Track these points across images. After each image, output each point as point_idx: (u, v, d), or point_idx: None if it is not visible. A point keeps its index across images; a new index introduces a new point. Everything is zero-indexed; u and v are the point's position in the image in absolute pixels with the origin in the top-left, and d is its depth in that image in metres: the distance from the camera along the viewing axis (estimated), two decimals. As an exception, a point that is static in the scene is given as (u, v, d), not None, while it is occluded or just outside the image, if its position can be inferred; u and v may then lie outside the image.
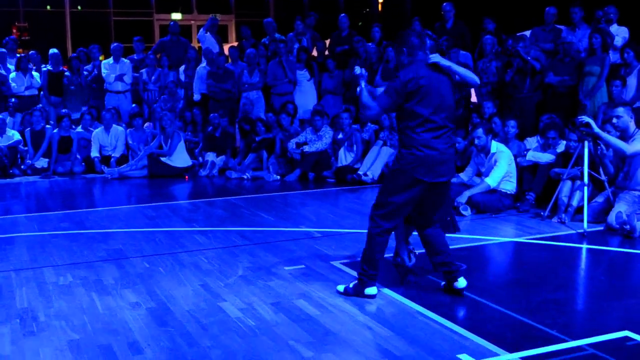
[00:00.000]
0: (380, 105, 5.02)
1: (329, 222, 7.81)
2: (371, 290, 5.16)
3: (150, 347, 4.30)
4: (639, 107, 9.07)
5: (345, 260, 6.12)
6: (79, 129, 12.46)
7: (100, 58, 13.76)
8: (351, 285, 5.21)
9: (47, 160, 12.00)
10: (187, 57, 13.33)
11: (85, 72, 13.35)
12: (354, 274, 5.62)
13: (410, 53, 5.05)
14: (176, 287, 5.50)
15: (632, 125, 7.13)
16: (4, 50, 13.30)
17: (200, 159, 12.00)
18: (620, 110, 7.14)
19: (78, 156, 12.16)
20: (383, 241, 5.09)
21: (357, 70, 5.35)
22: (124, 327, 4.65)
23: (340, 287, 5.28)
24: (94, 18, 22.21)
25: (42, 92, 13.29)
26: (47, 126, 12.29)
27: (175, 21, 15.26)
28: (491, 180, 8.03)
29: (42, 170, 11.87)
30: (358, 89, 5.21)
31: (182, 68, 13.37)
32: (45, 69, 13.34)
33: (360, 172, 10.30)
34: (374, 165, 10.35)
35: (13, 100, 12.75)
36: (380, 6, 23.82)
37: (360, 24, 21.25)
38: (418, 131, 4.91)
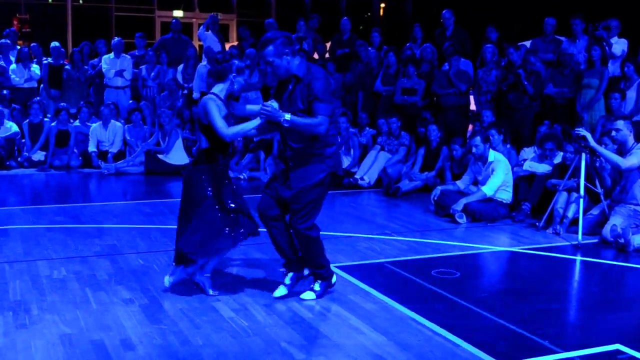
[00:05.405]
0: (327, 115, 4.84)
1: (324, 225, 7.68)
2: (334, 278, 5.34)
3: (142, 344, 4.30)
4: (638, 120, 9.11)
5: (339, 264, 6.12)
6: (77, 123, 12.45)
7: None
8: (318, 288, 5.21)
9: (44, 153, 11.97)
10: (187, 55, 13.31)
11: (87, 67, 13.34)
12: (348, 277, 5.65)
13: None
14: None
15: (630, 139, 7.15)
16: (5, 41, 13.28)
17: (198, 157, 11.96)
18: (620, 124, 7.16)
19: (75, 150, 12.14)
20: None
21: (275, 104, 4.84)
22: (116, 323, 4.65)
23: (309, 295, 5.21)
24: (95, 12, 22.18)
25: (42, 85, 13.28)
26: (45, 119, 12.27)
27: (177, 19, 15.25)
28: (488, 189, 8.04)
29: (39, 163, 11.84)
30: (286, 123, 4.79)
31: (180, 67, 13.34)
32: (46, 61, 13.32)
33: (357, 177, 10.31)
34: (370, 170, 10.35)
35: (4, 92, 12.68)
36: (382, 11, 23.86)
37: (361, 27, 21.27)
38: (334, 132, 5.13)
